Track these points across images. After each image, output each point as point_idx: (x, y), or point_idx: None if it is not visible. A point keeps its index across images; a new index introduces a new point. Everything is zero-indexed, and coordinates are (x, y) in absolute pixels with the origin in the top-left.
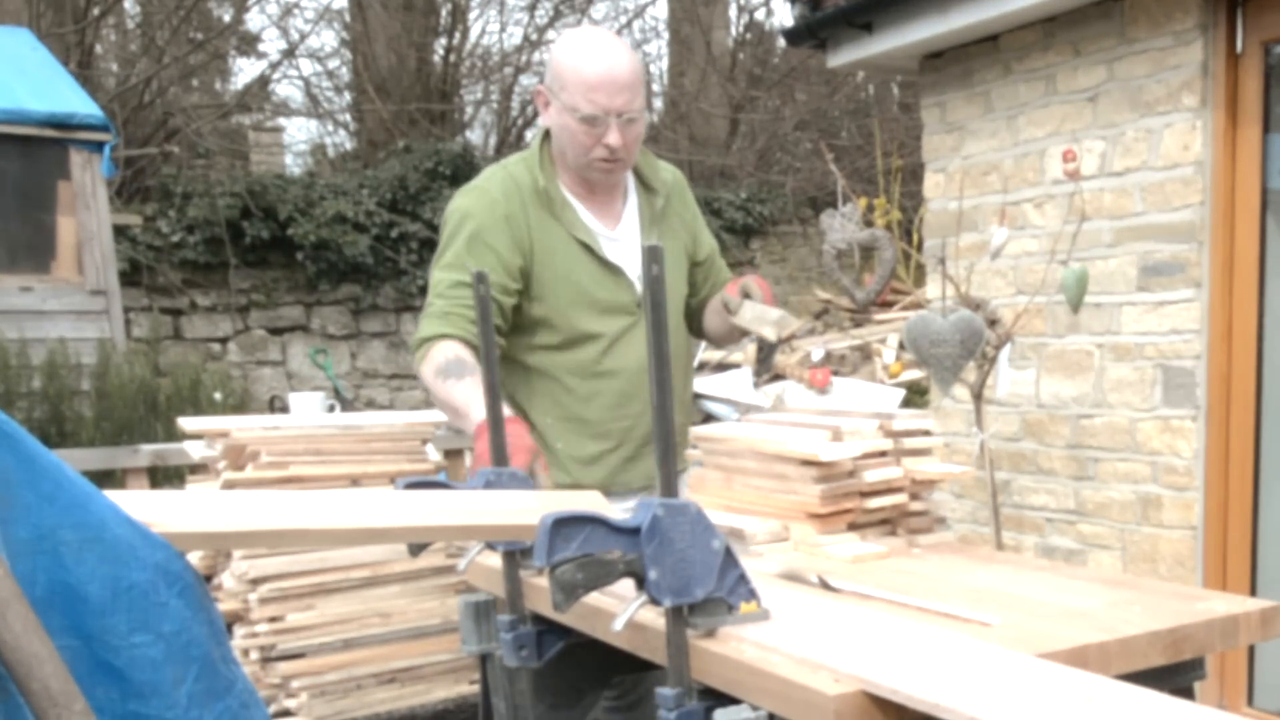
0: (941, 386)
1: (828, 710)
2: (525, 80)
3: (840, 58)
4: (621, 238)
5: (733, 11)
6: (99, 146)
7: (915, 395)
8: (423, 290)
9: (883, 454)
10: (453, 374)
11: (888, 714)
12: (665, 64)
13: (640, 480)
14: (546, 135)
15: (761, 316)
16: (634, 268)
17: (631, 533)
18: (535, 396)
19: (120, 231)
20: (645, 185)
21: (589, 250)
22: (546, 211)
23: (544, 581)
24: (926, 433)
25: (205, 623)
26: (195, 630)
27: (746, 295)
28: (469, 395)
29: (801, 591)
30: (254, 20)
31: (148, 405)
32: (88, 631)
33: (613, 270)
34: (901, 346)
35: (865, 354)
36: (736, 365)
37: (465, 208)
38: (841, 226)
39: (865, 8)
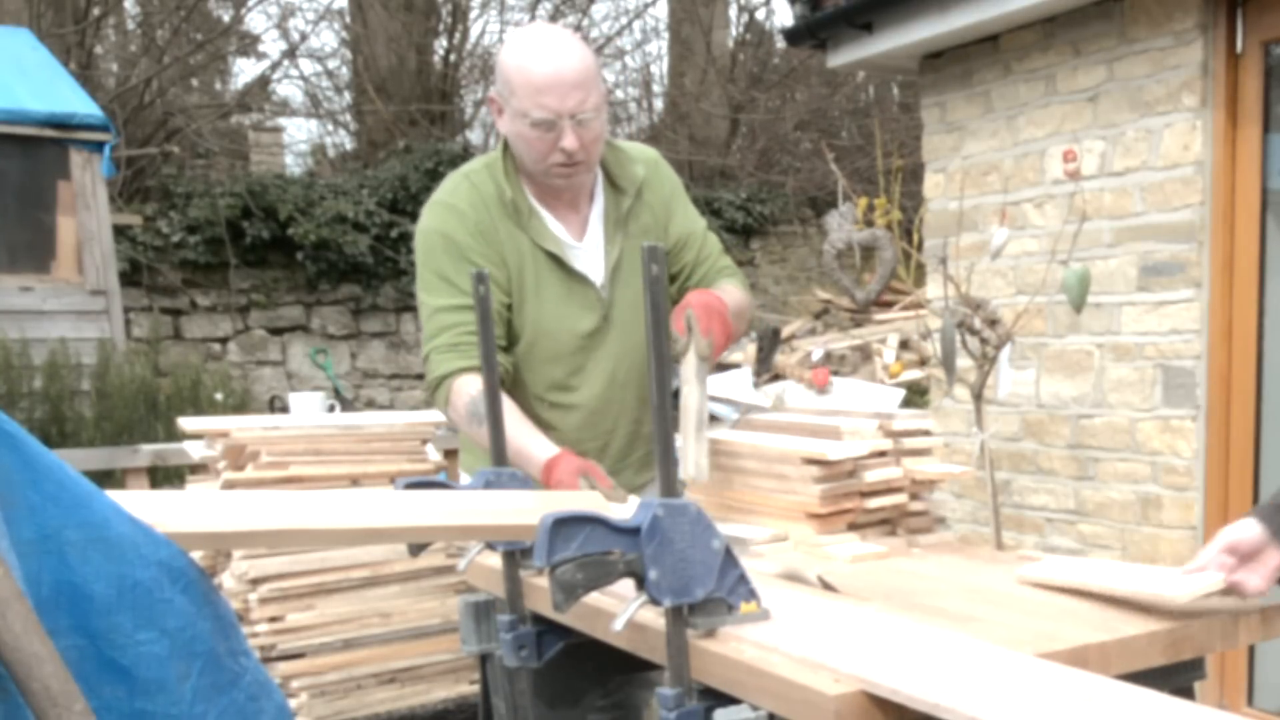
0: (945, 384)
1: (828, 710)
2: None
3: (840, 58)
4: (589, 247)
5: (733, 11)
6: (99, 146)
7: (915, 395)
8: None
9: (883, 454)
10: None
11: (888, 714)
12: (665, 64)
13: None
14: (507, 142)
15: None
16: (599, 277)
17: (631, 533)
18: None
19: (120, 231)
20: (614, 184)
21: (557, 261)
22: (513, 222)
23: (544, 581)
24: (926, 433)
25: (210, 617)
26: (199, 626)
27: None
28: (519, 435)
29: (802, 591)
30: (254, 21)
31: (148, 405)
32: (94, 630)
33: (580, 280)
34: (902, 346)
35: (865, 354)
36: (736, 365)
37: (438, 226)
38: (841, 226)
39: (865, 8)
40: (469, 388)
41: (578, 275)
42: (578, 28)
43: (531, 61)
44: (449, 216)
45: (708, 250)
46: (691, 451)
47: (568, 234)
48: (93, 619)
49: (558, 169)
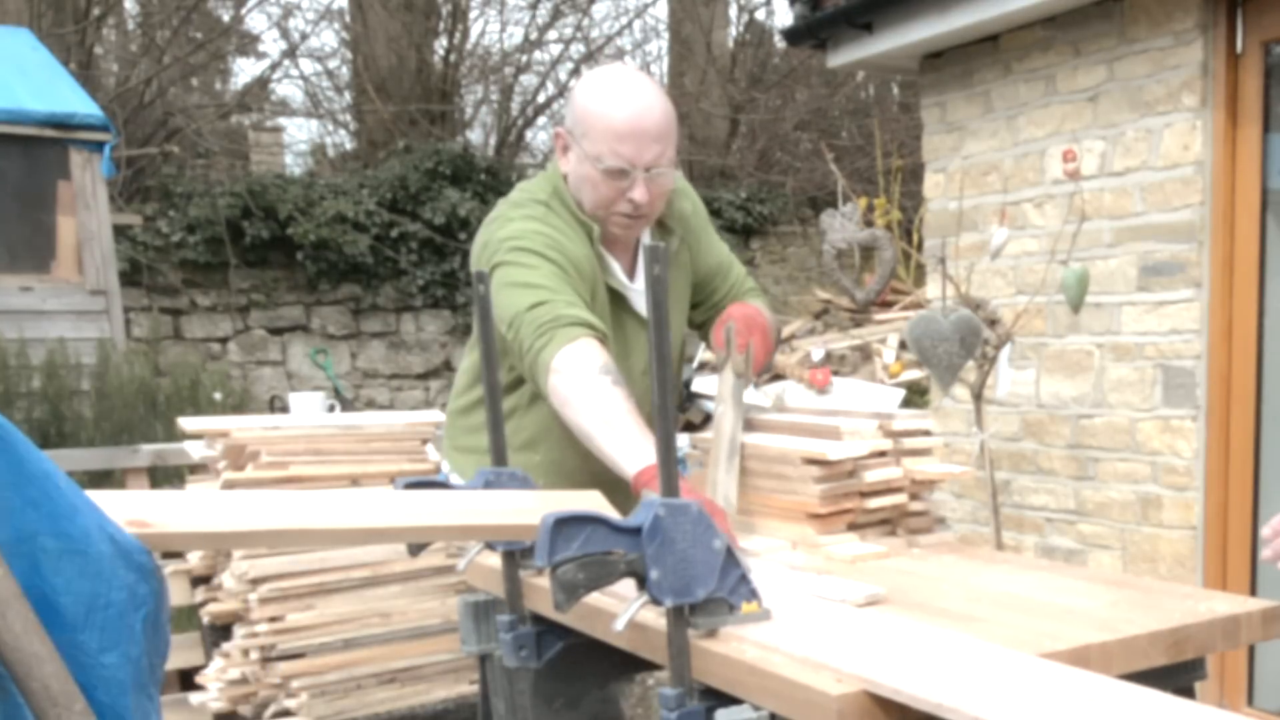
0: (942, 386)
1: (830, 710)
2: (525, 80)
3: (840, 58)
4: (639, 288)
5: (733, 11)
6: (99, 146)
7: (915, 395)
8: (423, 290)
9: (883, 454)
10: (622, 383)
11: (890, 714)
12: (665, 64)
13: None
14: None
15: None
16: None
17: (633, 532)
18: (550, 437)
19: (120, 231)
20: (661, 224)
21: (618, 300)
22: (589, 249)
23: (544, 581)
24: (926, 433)
25: (149, 653)
26: (143, 660)
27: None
28: (641, 431)
29: (802, 592)
30: (254, 21)
31: (148, 405)
32: (55, 644)
33: (636, 321)
34: (902, 346)
35: (865, 354)
36: None
37: (521, 229)
38: (841, 226)
39: (865, 8)
40: (602, 350)
41: (636, 315)
42: (578, 27)
43: (614, 106)
44: (528, 219)
45: (734, 277)
46: (721, 482)
47: (624, 276)
48: (55, 632)
49: (620, 218)
